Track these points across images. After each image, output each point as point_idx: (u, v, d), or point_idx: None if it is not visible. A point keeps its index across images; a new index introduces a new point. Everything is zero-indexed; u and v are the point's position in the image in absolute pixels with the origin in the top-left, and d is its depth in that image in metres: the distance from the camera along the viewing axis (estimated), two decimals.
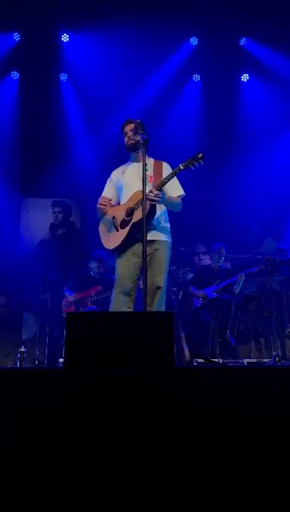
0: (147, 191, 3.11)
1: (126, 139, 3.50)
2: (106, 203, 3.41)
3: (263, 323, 5.72)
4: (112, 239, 3.40)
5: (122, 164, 3.68)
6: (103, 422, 1.68)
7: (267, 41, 6.34)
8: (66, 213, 7.07)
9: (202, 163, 3.06)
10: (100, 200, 3.43)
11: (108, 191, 3.60)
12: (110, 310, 3.36)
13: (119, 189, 3.53)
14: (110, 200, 3.50)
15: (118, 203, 3.54)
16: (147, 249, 3.02)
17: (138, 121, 3.22)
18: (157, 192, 3.11)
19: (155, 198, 3.11)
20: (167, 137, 6.53)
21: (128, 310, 3.27)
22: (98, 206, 3.43)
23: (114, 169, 3.69)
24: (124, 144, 3.56)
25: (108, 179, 3.66)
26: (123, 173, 3.53)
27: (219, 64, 6.50)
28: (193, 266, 6.50)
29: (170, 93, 6.68)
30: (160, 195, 3.13)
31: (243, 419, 1.70)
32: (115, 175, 3.61)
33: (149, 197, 3.09)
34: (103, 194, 3.60)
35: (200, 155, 3.05)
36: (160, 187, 3.14)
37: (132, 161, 3.56)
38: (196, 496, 1.60)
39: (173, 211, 3.46)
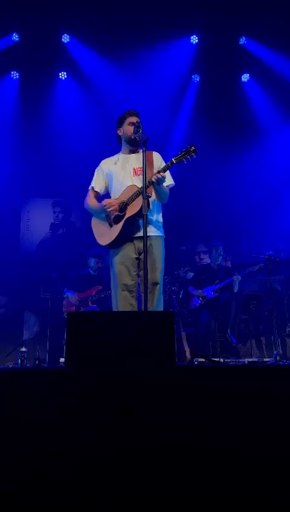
0: (138, 184, 3.17)
1: (127, 128, 3.43)
2: (113, 206, 3.34)
3: (264, 322, 5.72)
4: (105, 235, 3.38)
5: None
6: (104, 422, 1.68)
7: (267, 40, 6.33)
8: (66, 213, 7.07)
9: (194, 156, 3.08)
10: (108, 206, 3.34)
11: (97, 180, 3.56)
12: (113, 308, 3.35)
13: (110, 179, 3.50)
14: (98, 192, 3.54)
15: (107, 193, 3.54)
16: (141, 245, 3.01)
17: (138, 120, 3.23)
18: (161, 175, 3.11)
19: (157, 178, 3.11)
20: (166, 137, 6.54)
21: (131, 307, 3.24)
22: (107, 209, 3.34)
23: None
24: (119, 132, 3.53)
25: (97, 168, 3.61)
26: (115, 164, 3.50)
27: (219, 63, 6.50)
28: (193, 265, 6.51)
29: (170, 92, 6.67)
30: (163, 179, 3.15)
31: (244, 418, 1.70)
32: (106, 165, 3.55)
33: (154, 177, 3.11)
34: (92, 183, 3.57)
35: (192, 148, 3.07)
36: (163, 172, 3.14)
37: (124, 152, 3.52)
38: (196, 497, 1.60)
39: (160, 201, 3.42)
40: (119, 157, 3.53)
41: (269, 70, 6.46)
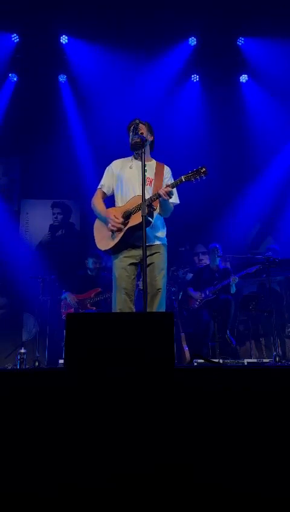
0: (146, 195, 3.13)
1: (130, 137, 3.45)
2: (117, 224, 3.33)
3: (263, 323, 5.73)
4: (105, 240, 3.40)
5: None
6: (103, 423, 1.68)
7: (265, 41, 6.34)
8: (65, 214, 7.07)
9: (204, 177, 3.06)
10: (113, 220, 3.31)
11: (107, 181, 3.55)
12: (113, 311, 3.37)
13: (119, 182, 3.49)
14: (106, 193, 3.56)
15: (114, 195, 3.55)
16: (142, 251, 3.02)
17: (136, 121, 3.23)
18: (170, 189, 3.11)
19: (167, 192, 3.11)
20: (165, 137, 6.54)
21: (129, 311, 3.28)
22: (110, 224, 3.32)
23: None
24: (126, 143, 3.54)
25: (108, 168, 3.59)
26: (130, 168, 3.47)
27: (217, 64, 6.51)
28: (192, 266, 6.52)
29: (169, 94, 6.68)
30: (172, 192, 3.15)
31: (243, 419, 1.70)
32: (118, 166, 3.54)
33: (162, 191, 3.11)
34: (101, 182, 3.57)
35: (203, 170, 3.05)
36: (171, 188, 3.15)
37: (135, 159, 3.50)
38: (194, 498, 1.60)
39: (162, 216, 3.45)
40: (134, 162, 3.50)
41: (267, 71, 6.47)
